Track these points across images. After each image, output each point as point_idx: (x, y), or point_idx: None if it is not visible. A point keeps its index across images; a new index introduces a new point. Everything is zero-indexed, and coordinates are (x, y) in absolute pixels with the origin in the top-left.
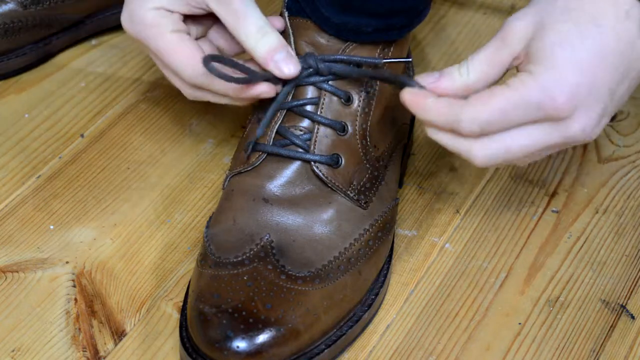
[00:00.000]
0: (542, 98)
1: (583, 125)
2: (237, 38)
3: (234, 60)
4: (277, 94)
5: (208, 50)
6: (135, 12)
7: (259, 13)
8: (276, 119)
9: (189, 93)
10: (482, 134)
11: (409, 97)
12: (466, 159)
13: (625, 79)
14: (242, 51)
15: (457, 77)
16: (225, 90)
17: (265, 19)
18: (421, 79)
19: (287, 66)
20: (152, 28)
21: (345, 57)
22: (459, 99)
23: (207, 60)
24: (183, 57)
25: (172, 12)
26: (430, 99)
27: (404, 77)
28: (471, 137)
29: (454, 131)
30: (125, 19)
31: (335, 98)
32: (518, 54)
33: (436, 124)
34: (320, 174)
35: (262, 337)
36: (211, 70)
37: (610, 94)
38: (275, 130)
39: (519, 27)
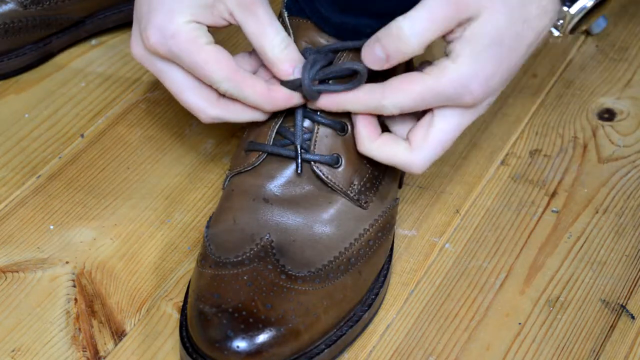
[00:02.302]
0: (460, 90)
1: (488, 104)
2: (259, 46)
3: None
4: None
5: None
6: (167, 27)
7: (280, 25)
8: (277, 119)
9: (211, 113)
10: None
11: (325, 101)
12: (406, 169)
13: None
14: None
15: (403, 48)
16: (255, 99)
17: (285, 32)
18: (371, 60)
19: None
20: (188, 42)
21: (339, 45)
22: (375, 85)
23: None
24: (223, 66)
25: (201, 24)
26: (347, 94)
27: (359, 64)
28: (407, 150)
29: (377, 112)
30: (153, 34)
31: None
32: (460, 24)
33: (360, 111)
34: (320, 174)
35: (262, 337)
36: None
37: (511, 74)
38: (275, 130)
39: (472, 3)
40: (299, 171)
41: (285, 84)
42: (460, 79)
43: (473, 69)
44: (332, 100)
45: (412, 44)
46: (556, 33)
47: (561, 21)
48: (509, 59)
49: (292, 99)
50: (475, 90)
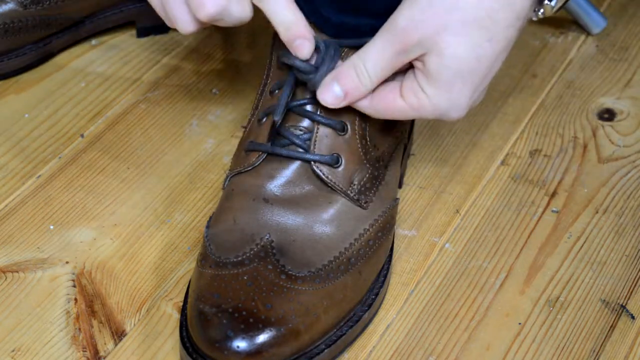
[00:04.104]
0: (440, 116)
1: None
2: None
3: None
4: (281, 94)
5: None
6: None
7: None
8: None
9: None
10: None
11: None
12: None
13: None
14: None
15: (362, 88)
16: (285, 20)
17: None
18: (327, 101)
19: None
20: None
21: (346, 42)
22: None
23: None
24: None
25: None
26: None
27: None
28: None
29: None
30: None
31: None
32: (416, 57)
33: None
34: (320, 173)
35: (262, 337)
36: None
37: (490, 79)
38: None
39: (417, 37)
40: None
41: (291, 65)
42: (439, 111)
43: (449, 101)
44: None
45: (371, 83)
46: (535, 19)
47: (542, 10)
48: (483, 77)
49: (309, 41)
50: (456, 114)
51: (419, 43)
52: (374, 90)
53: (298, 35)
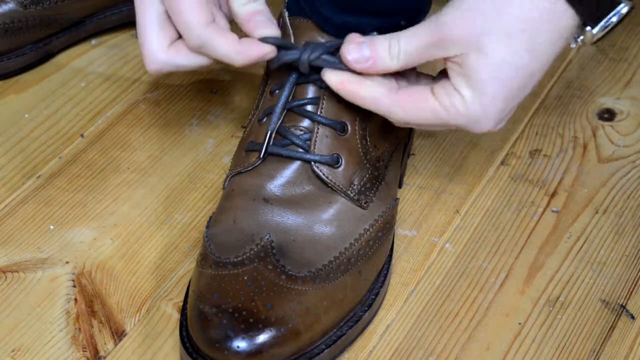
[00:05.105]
0: (470, 125)
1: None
2: None
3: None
4: (281, 94)
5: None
6: None
7: None
8: (277, 119)
9: (160, 57)
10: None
11: (339, 84)
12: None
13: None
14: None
15: (389, 61)
16: (226, 51)
17: None
18: (351, 56)
19: (265, 29)
20: None
21: (334, 43)
22: (388, 92)
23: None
24: (200, 16)
25: None
26: (363, 90)
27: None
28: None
29: (382, 115)
30: None
31: (335, 97)
32: (451, 57)
33: (367, 108)
34: (320, 173)
35: (262, 337)
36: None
37: (524, 97)
38: (275, 130)
39: (458, 35)
40: (260, 156)
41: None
42: (470, 116)
43: (482, 107)
44: (348, 88)
45: (397, 61)
46: (574, 45)
47: (581, 37)
48: (518, 90)
49: (265, 53)
50: (486, 124)
51: (459, 41)
52: (400, 89)
53: (252, 53)
